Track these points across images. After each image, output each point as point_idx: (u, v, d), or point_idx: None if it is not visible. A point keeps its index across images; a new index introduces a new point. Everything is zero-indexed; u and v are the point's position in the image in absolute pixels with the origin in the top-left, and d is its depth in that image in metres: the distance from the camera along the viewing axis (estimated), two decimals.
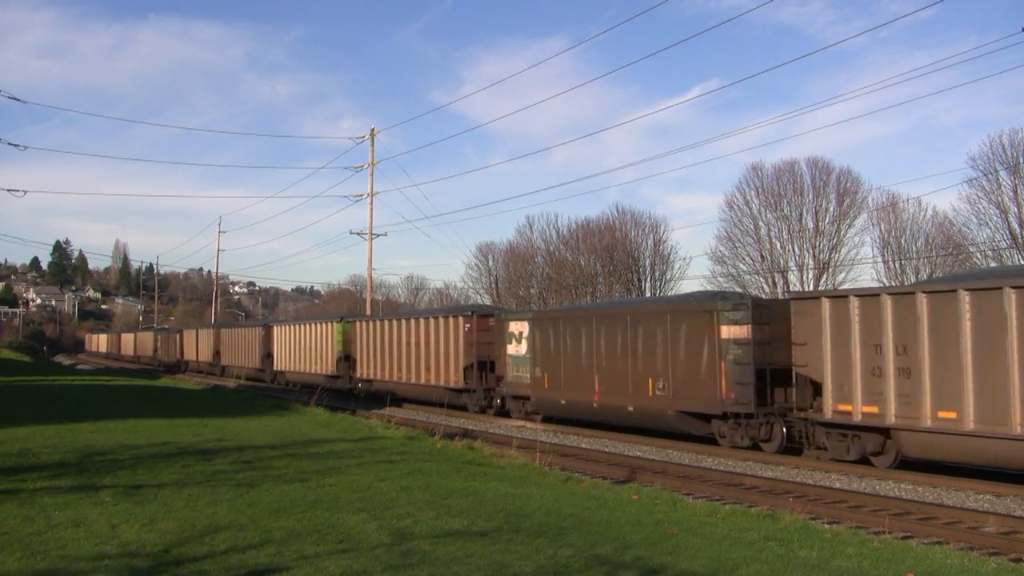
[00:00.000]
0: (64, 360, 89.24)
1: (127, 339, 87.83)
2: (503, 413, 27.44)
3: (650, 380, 20.68)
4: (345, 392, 36.59)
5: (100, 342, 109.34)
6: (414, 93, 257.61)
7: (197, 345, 59.07)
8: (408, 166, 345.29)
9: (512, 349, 25.96)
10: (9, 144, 42.19)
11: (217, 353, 54.51)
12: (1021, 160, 43.44)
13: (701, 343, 19.39)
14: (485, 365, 27.98)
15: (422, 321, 31.02)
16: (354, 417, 24.85)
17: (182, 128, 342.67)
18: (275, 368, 44.75)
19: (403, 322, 32.43)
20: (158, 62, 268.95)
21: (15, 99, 50.83)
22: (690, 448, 19.84)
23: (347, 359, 37.27)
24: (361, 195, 46.21)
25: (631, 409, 21.30)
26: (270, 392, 39.33)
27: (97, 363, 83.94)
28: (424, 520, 8.90)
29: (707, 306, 19.54)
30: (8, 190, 54.57)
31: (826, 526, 11.37)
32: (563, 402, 23.70)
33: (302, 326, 41.63)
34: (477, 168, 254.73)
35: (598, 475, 15.87)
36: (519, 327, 25.74)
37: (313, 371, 39.45)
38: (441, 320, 29.74)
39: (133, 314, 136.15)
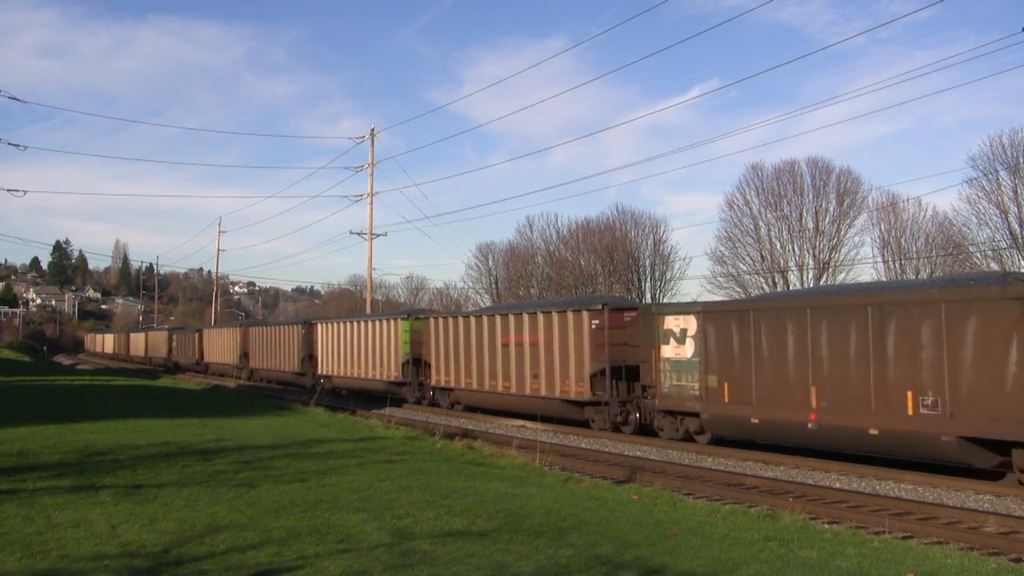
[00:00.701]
0: (64, 360, 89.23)
1: (137, 339, 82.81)
2: (647, 431, 22.08)
3: (909, 393, 15.63)
4: (415, 402, 31.94)
5: (105, 342, 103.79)
6: (414, 93, 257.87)
7: (221, 346, 54.78)
8: (408, 166, 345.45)
9: (669, 351, 20.43)
10: (9, 144, 42.23)
11: (245, 355, 49.64)
12: (1021, 160, 43.45)
13: (1006, 342, 14.28)
14: (620, 371, 22.49)
15: (528, 317, 25.23)
16: (354, 417, 24.84)
17: (182, 128, 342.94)
18: (319, 372, 39.25)
19: (500, 319, 26.59)
20: (158, 62, 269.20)
21: (15, 99, 50.91)
22: (690, 448, 19.83)
23: (416, 362, 31.95)
24: (361, 195, 46.24)
25: (874, 433, 16.13)
26: (269, 393, 39.30)
27: (99, 364, 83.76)
28: (424, 520, 8.90)
29: (1014, 291, 14.49)
30: (8, 190, 54.60)
31: (826, 526, 11.37)
32: (755, 421, 18.18)
33: (356, 324, 36.00)
34: (477, 168, 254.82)
35: (598, 475, 15.87)
36: (680, 323, 20.31)
37: (370, 376, 34.30)
38: (556, 316, 24.02)
39: (133, 314, 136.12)
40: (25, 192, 73.06)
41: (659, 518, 10.22)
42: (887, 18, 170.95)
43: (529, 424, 25.41)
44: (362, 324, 35.55)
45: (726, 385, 19.02)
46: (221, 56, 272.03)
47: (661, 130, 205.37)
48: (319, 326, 40.03)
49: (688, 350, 20.04)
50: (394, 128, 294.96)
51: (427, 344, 30.83)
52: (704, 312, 19.90)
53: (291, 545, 7.61)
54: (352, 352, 36.27)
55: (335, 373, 37.78)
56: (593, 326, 22.79)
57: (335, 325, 38.43)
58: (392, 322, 33.12)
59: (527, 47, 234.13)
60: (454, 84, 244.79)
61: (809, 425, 17.16)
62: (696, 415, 19.93)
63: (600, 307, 22.97)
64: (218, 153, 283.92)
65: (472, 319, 28.16)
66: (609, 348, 22.46)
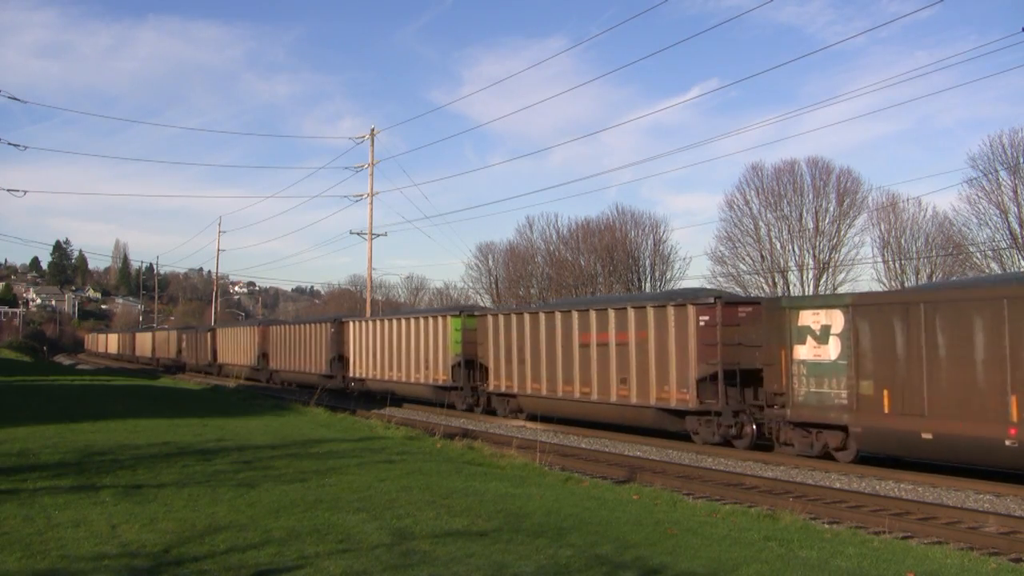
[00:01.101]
0: (64, 360, 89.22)
1: (143, 339, 79.03)
2: (761, 447, 19.20)
3: None
4: (466, 409, 29.11)
5: (108, 342, 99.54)
6: (414, 93, 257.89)
7: (237, 346, 51.25)
8: (408, 166, 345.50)
9: (806, 352, 17.51)
10: (9, 144, 42.22)
11: (264, 355, 46.54)
12: (1021, 160, 43.46)
13: None
14: (735, 375, 19.47)
15: (614, 313, 22.25)
16: (354, 417, 24.83)
17: (182, 128, 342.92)
18: (351, 374, 36.33)
19: (577, 315, 23.55)
20: (158, 62, 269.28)
21: (15, 99, 50.89)
22: (690, 448, 19.83)
23: (469, 364, 29.01)
24: (361, 195, 46.24)
25: None
26: (269, 392, 39.30)
27: (99, 364, 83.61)
28: (424, 520, 8.90)
29: None
30: (8, 190, 54.63)
31: (826, 526, 11.37)
32: (927, 436, 15.31)
33: (392, 322, 33.03)
34: (477, 168, 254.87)
35: (598, 475, 15.87)
36: (821, 318, 17.39)
37: (412, 380, 31.08)
38: (653, 311, 21.06)
39: (133, 314, 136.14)
40: (25, 192, 73.04)
41: (659, 518, 10.22)
42: (887, 18, 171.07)
43: (529, 424, 25.37)
44: (403, 322, 32.49)
45: (886, 392, 16.08)
46: (221, 56, 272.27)
47: (661, 130, 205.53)
48: (351, 324, 36.88)
49: (832, 351, 17.09)
50: (394, 128, 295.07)
51: (483, 344, 27.81)
52: (855, 305, 16.94)
53: (291, 545, 7.61)
54: (391, 353, 33.22)
55: (369, 376, 34.98)
56: (702, 323, 19.76)
57: (370, 323, 35.29)
58: (440, 319, 30.00)
59: (527, 47, 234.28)
60: (454, 84, 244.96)
61: (1007, 442, 14.21)
62: (843, 428, 16.93)
63: (711, 301, 20.09)
64: (218, 153, 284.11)
65: (542, 315, 25.00)
66: (722, 348, 19.32)
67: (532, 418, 25.57)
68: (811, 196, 53.38)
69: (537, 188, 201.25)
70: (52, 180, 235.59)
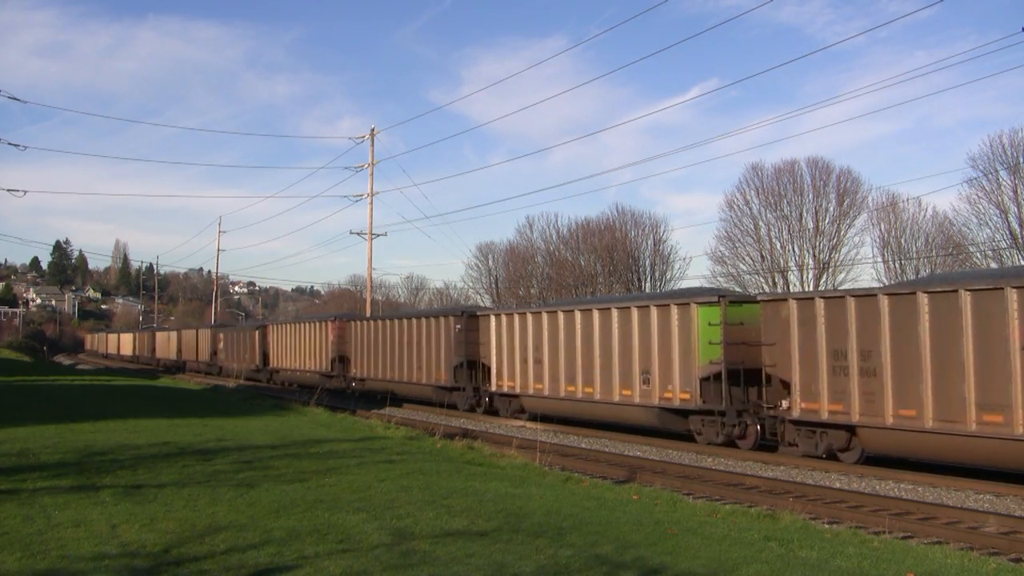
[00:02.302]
0: (64, 360, 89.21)
1: (165, 339, 69.21)
2: (766, 447, 18.94)
3: None
4: (467, 410, 27.95)
5: (121, 343, 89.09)
6: (413, 93, 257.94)
7: (299, 346, 41.62)
8: (408, 166, 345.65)
9: None
10: (9, 144, 42.21)
11: (341, 359, 37.44)
12: (1021, 160, 43.46)
13: None
14: (737, 375, 18.93)
15: (617, 312, 21.70)
16: (354, 417, 24.82)
17: (182, 128, 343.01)
18: (493, 387, 26.97)
19: (578, 314, 22.91)
20: (157, 62, 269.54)
21: (15, 99, 50.90)
22: (690, 448, 19.83)
23: (471, 365, 28.06)
24: (361, 195, 46.26)
25: None
26: (269, 392, 39.24)
27: (99, 365, 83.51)
28: (424, 520, 8.90)
29: None
30: (8, 190, 54.46)
31: (826, 526, 11.37)
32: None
33: (568, 313, 23.59)
34: (477, 168, 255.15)
35: (598, 475, 15.86)
36: None
37: (612, 399, 21.78)
38: (656, 310, 20.56)
39: (133, 314, 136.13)
40: (25, 192, 72.94)
41: (659, 518, 10.22)
42: (887, 18, 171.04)
43: (529, 424, 25.36)
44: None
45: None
46: (220, 56, 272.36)
47: (661, 130, 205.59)
48: (489, 319, 27.49)
49: None
50: (394, 128, 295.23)
51: (485, 344, 27.00)
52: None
53: (291, 545, 7.61)
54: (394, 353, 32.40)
55: (368, 375, 34.44)
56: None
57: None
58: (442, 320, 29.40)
59: (526, 47, 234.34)
60: (453, 84, 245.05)
61: None
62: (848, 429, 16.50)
63: (715, 299, 19.51)
64: (218, 153, 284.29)
65: (544, 315, 24.48)
66: (725, 348, 18.91)
67: (533, 418, 24.89)
68: (811, 196, 53.43)
69: (537, 188, 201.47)
70: (52, 180, 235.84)
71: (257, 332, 47.72)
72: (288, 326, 44.36)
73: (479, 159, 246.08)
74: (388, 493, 10.52)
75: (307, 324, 41.34)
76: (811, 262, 52.71)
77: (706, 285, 33.13)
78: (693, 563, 7.72)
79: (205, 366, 56.53)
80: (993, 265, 43.39)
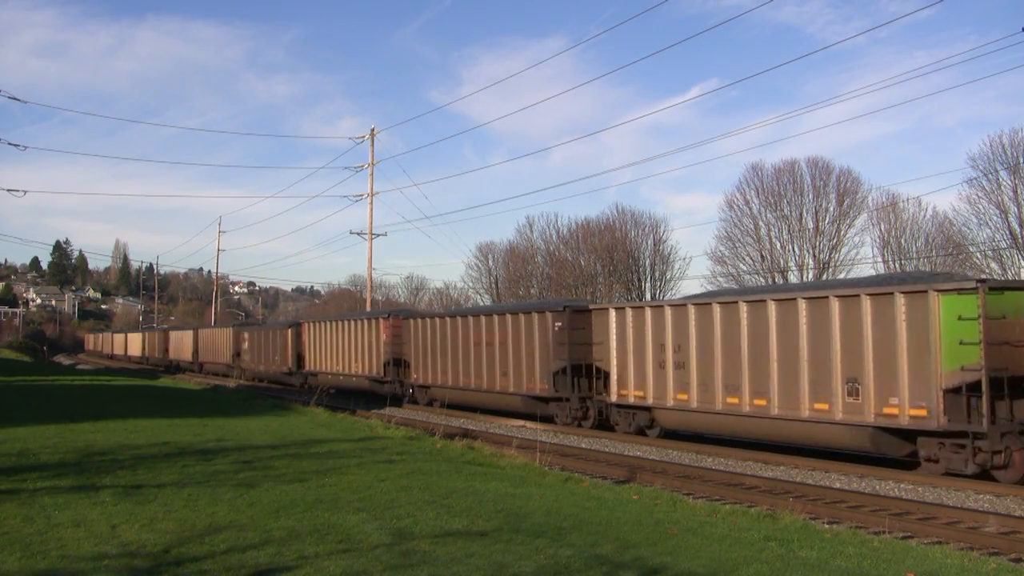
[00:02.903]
0: (64, 360, 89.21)
1: (179, 339, 63.87)
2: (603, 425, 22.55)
3: None
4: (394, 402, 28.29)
5: (129, 343, 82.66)
6: (413, 93, 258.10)
7: (345, 347, 36.73)
8: (408, 166, 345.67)
9: None
10: (9, 144, 42.22)
11: (396, 362, 33.16)
12: (1021, 160, 43.46)
13: None
14: (581, 369, 23.41)
15: (497, 318, 25.81)
16: (354, 417, 24.83)
17: (181, 128, 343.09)
18: (613, 396, 22.39)
19: (471, 320, 27.09)
20: (157, 62, 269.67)
21: (15, 99, 50.93)
22: (690, 448, 19.82)
23: (397, 363, 28.74)
24: (361, 195, 46.28)
25: None
26: (269, 392, 39.24)
27: (102, 366, 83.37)
28: (424, 520, 8.90)
29: None
30: (8, 190, 54.60)
31: (826, 526, 11.37)
32: None
33: (727, 306, 19.35)
34: (477, 168, 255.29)
35: (598, 475, 15.86)
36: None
37: (799, 414, 17.40)
38: (523, 317, 24.36)
39: (133, 314, 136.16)
40: (25, 192, 73.14)
41: (659, 518, 10.22)
42: (887, 18, 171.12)
43: (529, 424, 25.39)
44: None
45: None
46: (220, 56, 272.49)
47: (660, 130, 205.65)
48: (607, 314, 23.00)
49: None
50: (394, 128, 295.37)
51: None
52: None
53: (291, 545, 7.61)
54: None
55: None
56: (555, 328, 24.32)
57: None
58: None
59: (526, 47, 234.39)
60: (453, 84, 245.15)
61: None
62: None
63: (561, 309, 24.38)
64: (218, 153, 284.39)
65: (450, 320, 28.13)
66: (569, 348, 23.48)
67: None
68: (811, 196, 53.41)
69: (537, 188, 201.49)
70: (52, 180, 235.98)
71: (290, 331, 42.50)
72: (328, 324, 39.22)
73: (479, 159, 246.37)
74: (388, 493, 10.52)
75: (353, 322, 36.50)
76: (811, 262, 52.72)
77: (708, 286, 33.03)
78: (693, 563, 7.72)
79: (225, 368, 51.52)
80: (993, 265, 43.45)
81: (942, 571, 8.23)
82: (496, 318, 27.00)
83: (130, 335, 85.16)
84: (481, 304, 66.23)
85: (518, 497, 10.92)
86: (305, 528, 8.30)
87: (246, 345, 48.36)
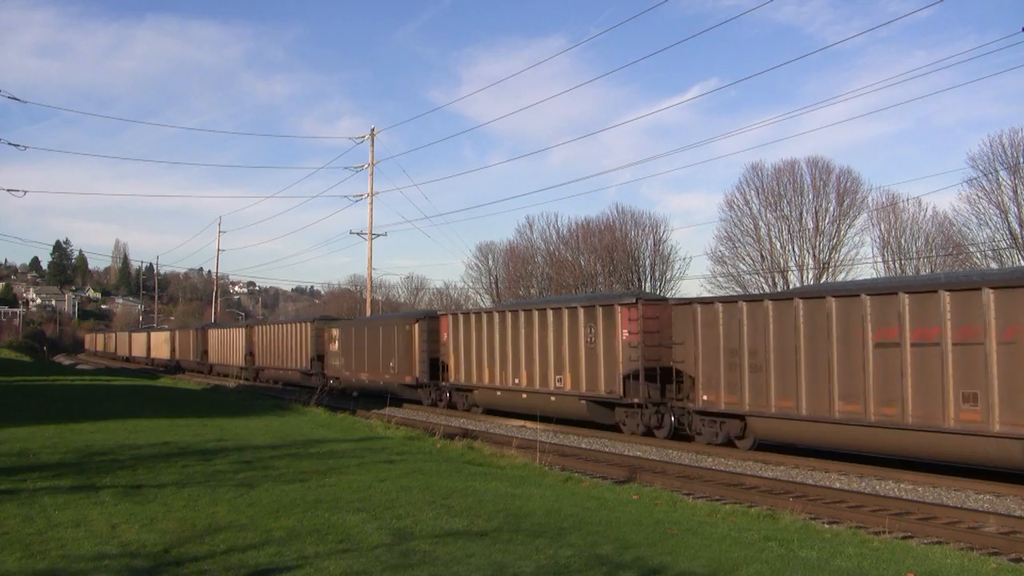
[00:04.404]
0: (64, 360, 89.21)
1: (230, 338, 51.27)
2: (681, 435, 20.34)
3: None
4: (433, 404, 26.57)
5: (152, 344, 69.51)
6: (413, 93, 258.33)
7: (385, 349, 32.31)
8: (408, 166, 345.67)
9: None
10: (9, 144, 42.21)
11: (433, 364, 29.74)
12: (1021, 160, 43.45)
13: None
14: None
15: (552, 313, 24.01)
16: (354, 417, 24.82)
17: (181, 128, 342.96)
18: (701, 403, 19.39)
19: (535, 314, 24.72)
20: (156, 62, 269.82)
21: (15, 99, 50.81)
22: (690, 448, 19.82)
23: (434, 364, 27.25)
24: (361, 195, 46.24)
25: None
26: (269, 392, 39.21)
27: (99, 364, 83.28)
28: (424, 520, 8.90)
29: None
30: (8, 190, 54.67)
31: (826, 526, 11.37)
32: None
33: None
34: (477, 168, 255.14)
35: (598, 475, 15.86)
36: None
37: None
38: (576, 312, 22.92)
39: (133, 314, 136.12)
40: (25, 192, 73.14)
41: (659, 518, 10.22)
42: (887, 18, 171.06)
43: (529, 424, 25.36)
44: None
45: None
46: (219, 56, 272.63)
47: (660, 130, 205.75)
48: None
49: None
50: (394, 128, 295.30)
51: (445, 343, 27.01)
52: None
53: (291, 545, 7.61)
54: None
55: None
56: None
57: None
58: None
59: (526, 47, 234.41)
60: (453, 84, 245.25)
61: None
62: None
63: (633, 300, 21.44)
64: (217, 153, 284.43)
65: (497, 315, 25.58)
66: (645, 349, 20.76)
67: (469, 410, 24.55)
68: (811, 196, 53.40)
69: (537, 188, 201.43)
70: (52, 180, 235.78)
71: (327, 332, 37.45)
72: (359, 327, 35.62)
73: (479, 159, 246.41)
74: (388, 493, 10.52)
75: (386, 324, 33.12)
76: (811, 262, 52.71)
77: (708, 285, 31.68)
78: (693, 563, 7.72)
79: (299, 376, 40.35)
80: (993, 265, 43.41)
81: (942, 571, 8.22)
82: (551, 312, 24.13)
83: (154, 334, 71.51)
84: (482, 304, 66.21)
85: (518, 497, 10.92)
86: (305, 528, 8.30)
87: (334, 346, 37.84)
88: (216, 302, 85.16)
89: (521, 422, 25.85)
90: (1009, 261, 43.23)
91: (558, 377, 23.70)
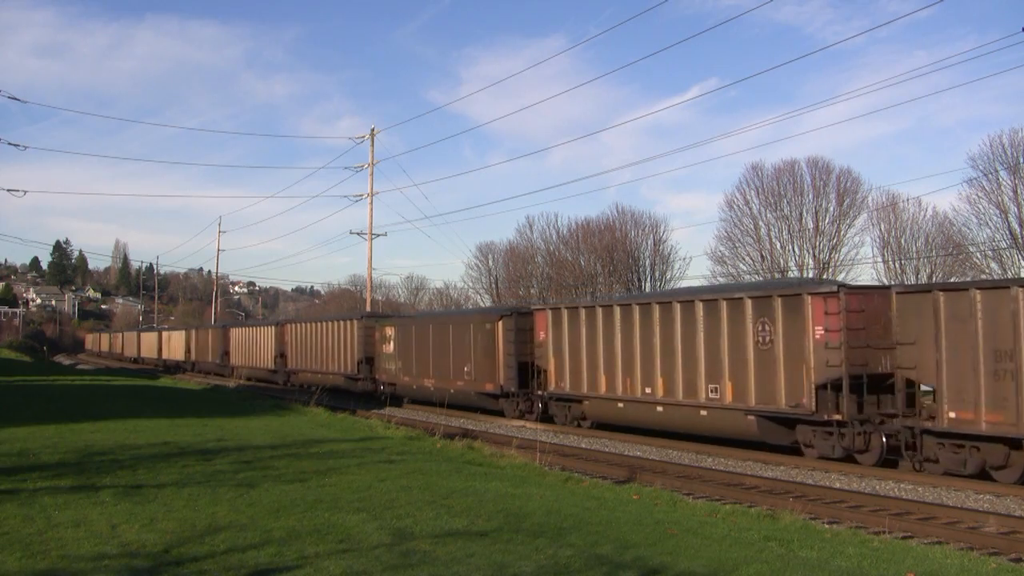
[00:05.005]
0: (64, 360, 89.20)
1: (259, 337, 46.21)
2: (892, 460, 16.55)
3: None
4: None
5: (170, 344, 64.24)
6: (413, 93, 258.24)
7: (488, 350, 26.80)
8: (408, 166, 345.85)
9: None
10: (9, 144, 42.20)
11: (523, 368, 25.77)
12: (1021, 160, 43.42)
13: None
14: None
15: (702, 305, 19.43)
16: (354, 417, 24.82)
17: (181, 128, 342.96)
18: (944, 424, 15.11)
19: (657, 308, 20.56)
20: (156, 62, 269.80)
21: (15, 99, 50.87)
22: (690, 448, 19.81)
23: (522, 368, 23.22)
24: (361, 195, 46.25)
25: None
26: (269, 392, 39.20)
27: (99, 364, 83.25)
28: (424, 520, 8.90)
29: None
30: (8, 190, 54.59)
31: (826, 526, 11.37)
32: None
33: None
34: (476, 168, 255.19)
35: (598, 475, 15.86)
36: None
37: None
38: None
39: (133, 314, 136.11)
40: (25, 192, 72.78)
41: (659, 518, 10.22)
42: (887, 18, 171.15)
43: (529, 424, 25.33)
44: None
45: None
46: (219, 56, 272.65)
47: (660, 130, 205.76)
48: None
49: None
50: (393, 128, 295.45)
51: (543, 346, 23.20)
52: None
53: (291, 545, 7.61)
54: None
55: None
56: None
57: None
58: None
59: (526, 47, 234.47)
60: (453, 84, 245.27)
61: None
62: None
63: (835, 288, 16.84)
64: (217, 153, 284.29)
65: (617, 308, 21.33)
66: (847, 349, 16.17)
67: (577, 424, 22.55)
68: (811, 196, 53.34)
69: (537, 188, 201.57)
70: (52, 180, 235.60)
71: (376, 329, 33.50)
72: (437, 320, 30.86)
73: (479, 159, 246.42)
74: (388, 493, 10.51)
75: (456, 322, 29.18)
76: (811, 262, 52.67)
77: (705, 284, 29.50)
78: (693, 563, 7.72)
79: (345, 381, 35.37)
80: (993, 265, 43.45)
81: (942, 571, 8.22)
82: (701, 305, 19.74)
83: (172, 334, 65.98)
84: (482, 304, 66.19)
85: (518, 497, 10.91)
86: (305, 528, 8.30)
87: (389, 347, 32.63)
88: (216, 302, 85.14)
89: (521, 422, 25.54)
90: (1009, 261, 43.23)
91: (712, 387, 19.25)
